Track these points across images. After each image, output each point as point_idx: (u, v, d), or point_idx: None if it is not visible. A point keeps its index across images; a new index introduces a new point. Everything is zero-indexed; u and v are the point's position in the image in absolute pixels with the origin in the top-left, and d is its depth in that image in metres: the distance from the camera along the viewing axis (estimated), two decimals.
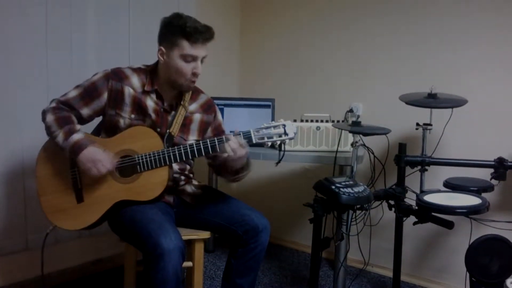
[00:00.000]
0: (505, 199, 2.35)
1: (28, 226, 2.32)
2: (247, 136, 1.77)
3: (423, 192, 2.15)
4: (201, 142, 1.80)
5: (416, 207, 2.06)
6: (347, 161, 2.33)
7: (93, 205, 1.83)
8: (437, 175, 2.35)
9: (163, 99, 1.93)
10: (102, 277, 2.62)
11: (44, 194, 1.87)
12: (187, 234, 1.95)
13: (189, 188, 2.02)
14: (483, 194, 2.05)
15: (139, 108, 1.89)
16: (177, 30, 1.78)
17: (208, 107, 2.05)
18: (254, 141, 1.76)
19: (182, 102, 1.95)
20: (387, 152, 2.28)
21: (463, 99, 2.16)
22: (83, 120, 1.91)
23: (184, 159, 1.81)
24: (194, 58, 1.81)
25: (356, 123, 2.12)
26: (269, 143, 1.77)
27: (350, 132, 2.14)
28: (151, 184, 1.82)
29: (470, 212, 1.92)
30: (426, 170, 2.21)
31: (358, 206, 1.98)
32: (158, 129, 1.89)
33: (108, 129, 1.92)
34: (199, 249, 2.01)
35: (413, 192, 2.19)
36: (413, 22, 2.60)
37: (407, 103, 2.16)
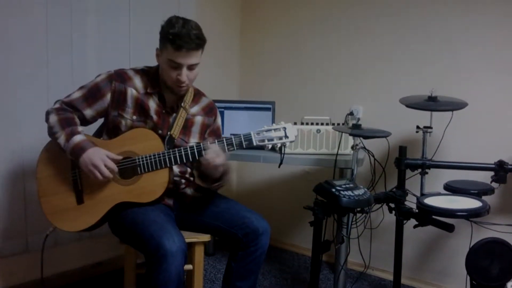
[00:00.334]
0: (506, 202, 2.35)
1: (28, 228, 2.32)
2: (247, 138, 1.77)
3: (423, 195, 2.15)
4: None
5: (417, 210, 2.05)
6: (347, 164, 2.33)
7: (93, 206, 1.84)
8: (438, 178, 2.35)
9: (165, 101, 1.93)
10: (102, 279, 2.62)
11: (44, 196, 1.87)
12: (187, 237, 1.94)
13: (189, 191, 2.02)
14: (484, 197, 2.05)
15: (141, 109, 1.90)
16: (164, 34, 1.80)
17: (209, 110, 2.05)
18: (254, 144, 1.77)
19: (183, 105, 1.95)
20: (387, 155, 2.28)
21: (464, 102, 2.16)
22: (86, 121, 1.92)
23: (184, 161, 1.81)
24: (178, 65, 1.81)
25: (357, 126, 2.12)
26: (270, 146, 1.78)
27: (350, 135, 2.14)
28: (152, 186, 1.82)
29: (471, 215, 1.91)
30: (427, 173, 2.20)
31: (358, 209, 1.98)
32: (160, 131, 1.90)
33: (110, 130, 1.92)
34: (199, 252, 2.01)
35: (414, 195, 2.19)
36: (413, 25, 2.60)
37: (407, 106, 2.16)
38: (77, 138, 1.79)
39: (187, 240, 1.92)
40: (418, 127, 2.24)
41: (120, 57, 2.61)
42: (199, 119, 2.01)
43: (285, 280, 2.71)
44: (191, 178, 2.05)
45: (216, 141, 1.79)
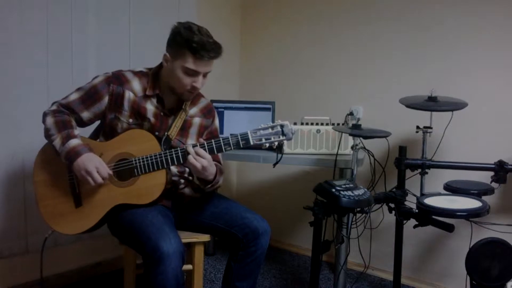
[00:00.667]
0: (506, 202, 2.35)
1: (28, 229, 2.32)
2: (244, 137, 1.74)
3: (423, 195, 2.15)
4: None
5: (417, 210, 2.05)
6: (347, 164, 2.33)
7: (91, 209, 1.83)
8: (438, 178, 2.35)
9: (164, 103, 1.93)
10: (101, 280, 2.61)
11: (42, 199, 1.86)
12: (187, 237, 1.94)
13: (187, 191, 2.02)
14: (484, 197, 2.05)
15: (137, 113, 1.89)
16: (184, 42, 1.75)
17: (208, 112, 2.05)
18: (252, 143, 1.74)
19: (183, 106, 1.95)
20: (387, 155, 2.28)
21: (463, 102, 2.16)
22: (83, 123, 1.91)
23: (181, 162, 1.79)
24: (195, 73, 1.79)
25: (356, 126, 2.12)
26: (267, 144, 1.74)
27: (350, 135, 2.14)
28: (149, 187, 1.81)
29: (471, 215, 1.91)
30: (427, 173, 2.20)
31: (358, 209, 1.98)
32: (156, 133, 1.89)
33: (108, 132, 1.92)
34: (199, 252, 2.00)
35: (414, 195, 2.19)
36: (413, 25, 2.60)
37: (407, 106, 2.16)
38: (73, 142, 1.78)
39: (187, 240, 1.93)
40: (418, 127, 2.24)
41: (120, 58, 2.61)
42: (197, 121, 2.00)
43: (285, 280, 2.71)
44: (190, 178, 2.05)
45: (213, 141, 1.78)
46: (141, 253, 1.71)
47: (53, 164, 1.87)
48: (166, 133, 1.90)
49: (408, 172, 2.22)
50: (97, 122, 1.98)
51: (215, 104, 2.63)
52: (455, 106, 2.17)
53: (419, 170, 2.20)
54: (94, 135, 1.99)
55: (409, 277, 2.66)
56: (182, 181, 2.01)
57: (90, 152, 1.79)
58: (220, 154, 1.91)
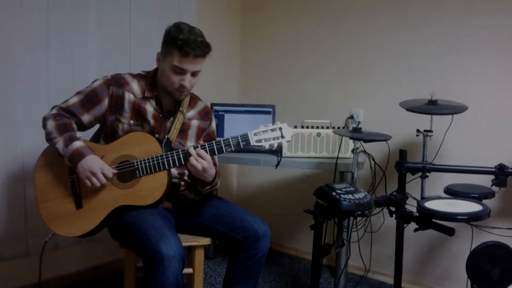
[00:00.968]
0: (506, 205, 2.35)
1: (28, 232, 2.32)
2: (245, 138, 1.79)
3: (423, 198, 2.15)
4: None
5: (417, 214, 2.05)
6: (347, 168, 2.33)
7: (92, 211, 1.83)
8: (438, 182, 2.35)
9: (162, 105, 1.94)
10: (102, 283, 2.61)
11: (43, 202, 1.86)
12: (188, 240, 1.94)
13: (188, 194, 2.02)
14: (484, 201, 2.04)
15: (138, 114, 1.90)
16: (172, 40, 1.80)
17: (205, 114, 2.07)
18: (252, 144, 1.79)
19: (181, 109, 1.96)
20: (387, 159, 2.27)
21: (464, 106, 2.16)
22: (83, 127, 1.92)
23: (183, 163, 1.81)
24: (182, 71, 1.82)
25: (357, 130, 2.12)
26: (267, 146, 1.79)
27: (350, 138, 2.14)
28: (150, 188, 1.82)
29: (471, 218, 1.91)
30: (427, 176, 2.20)
31: (358, 213, 1.98)
32: (156, 135, 1.90)
33: (109, 135, 1.92)
34: (199, 256, 2.00)
35: (414, 198, 2.18)
36: (413, 29, 2.61)
37: (407, 109, 2.16)
38: (76, 144, 1.79)
39: (187, 244, 1.93)
40: (418, 130, 2.24)
41: (121, 59, 2.62)
42: (195, 123, 2.02)
43: (285, 284, 2.71)
44: (190, 181, 2.05)
45: (214, 142, 1.80)
46: (141, 256, 1.72)
47: (54, 167, 1.87)
48: (166, 136, 1.91)
49: (409, 176, 2.22)
50: (97, 126, 1.99)
51: (215, 108, 2.65)
52: (455, 109, 2.17)
53: (420, 173, 2.19)
54: (94, 139, 1.99)
55: (410, 281, 2.65)
56: (183, 183, 2.01)
57: (94, 154, 1.80)
58: (216, 156, 1.92)
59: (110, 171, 1.79)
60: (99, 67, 2.49)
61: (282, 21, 3.18)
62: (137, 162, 1.82)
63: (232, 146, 1.79)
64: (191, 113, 2.02)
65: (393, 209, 2.16)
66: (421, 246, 2.63)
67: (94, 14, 2.50)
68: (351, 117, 2.63)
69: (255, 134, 1.80)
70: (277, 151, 2.47)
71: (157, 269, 1.62)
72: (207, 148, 1.79)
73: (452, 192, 2.16)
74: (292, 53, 3.13)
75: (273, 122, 2.69)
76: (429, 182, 2.23)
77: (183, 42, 1.77)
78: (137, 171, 1.82)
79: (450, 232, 1.95)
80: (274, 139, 1.80)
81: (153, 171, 1.81)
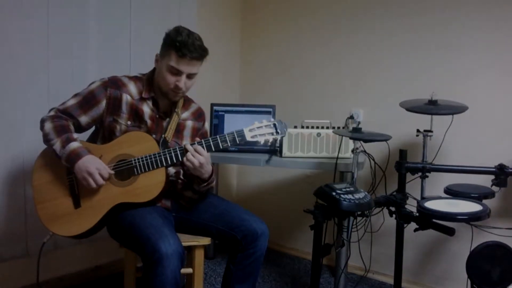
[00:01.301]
0: (506, 205, 2.35)
1: (28, 232, 2.32)
2: (240, 134, 1.84)
3: (424, 198, 2.15)
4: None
5: (417, 214, 2.05)
6: (347, 168, 2.33)
7: (91, 209, 1.83)
8: (438, 182, 2.35)
9: (159, 106, 1.97)
10: (101, 283, 2.61)
11: (41, 202, 1.87)
12: (188, 240, 1.95)
13: (187, 192, 2.03)
14: (484, 201, 2.04)
15: (135, 115, 1.93)
16: (170, 41, 1.85)
17: (198, 115, 2.11)
18: (247, 139, 1.85)
19: (176, 110, 1.99)
20: (387, 159, 2.27)
21: (464, 106, 2.16)
22: (81, 128, 1.94)
23: (180, 159, 1.83)
24: (178, 72, 1.86)
25: (357, 130, 2.12)
26: (262, 141, 1.86)
27: (350, 138, 2.14)
28: (149, 185, 1.83)
29: (471, 218, 1.91)
30: (427, 176, 2.20)
31: (359, 213, 1.98)
32: (153, 135, 1.92)
33: (106, 136, 1.94)
34: (199, 256, 2.00)
35: (414, 198, 2.18)
36: (413, 29, 2.61)
37: (407, 109, 2.16)
38: (73, 145, 1.80)
39: (187, 244, 1.93)
40: (418, 130, 2.24)
41: (121, 60, 2.62)
42: (189, 123, 2.06)
43: (285, 284, 2.70)
44: (186, 180, 2.06)
45: (210, 138, 1.84)
46: (140, 254, 1.73)
47: (52, 168, 1.88)
48: (163, 135, 1.94)
49: (409, 176, 2.22)
50: (92, 128, 2.00)
51: (215, 108, 2.65)
52: (455, 109, 2.17)
53: (420, 173, 2.19)
54: (91, 141, 2.00)
55: (410, 281, 2.65)
56: (180, 181, 2.03)
57: (91, 155, 1.81)
58: (209, 155, 1.94)
59: (107, 171, 1.80)
60: (99, 67, 2.49)
61: (282, 21, 3.18)
62: (135, 160, 1.84)
63: (228, 141, 1.85)
64: (185, 114, 2.06)
65: (393, 209, 2.16)
66: (421, 246, 2.63)
67: (94, 14, 2.50)
68: (351, 117, 2.63)
69: (250, 130, 1.86)
70: (276, 151, 2.50)
71: (156, 268, 1.63)
72: (204, 145, 1.83)
73: (452, 192, 2.16)
74: (292, 53, 3.14)
75: None
76: (429, 182, 2.23)
77: (181, 44, 1.81)
78: (135, 169, 1.83)
79: (450, 232, 1.95)
80: (269, 134, 1.86)
81: (151, 168, 1.83)
